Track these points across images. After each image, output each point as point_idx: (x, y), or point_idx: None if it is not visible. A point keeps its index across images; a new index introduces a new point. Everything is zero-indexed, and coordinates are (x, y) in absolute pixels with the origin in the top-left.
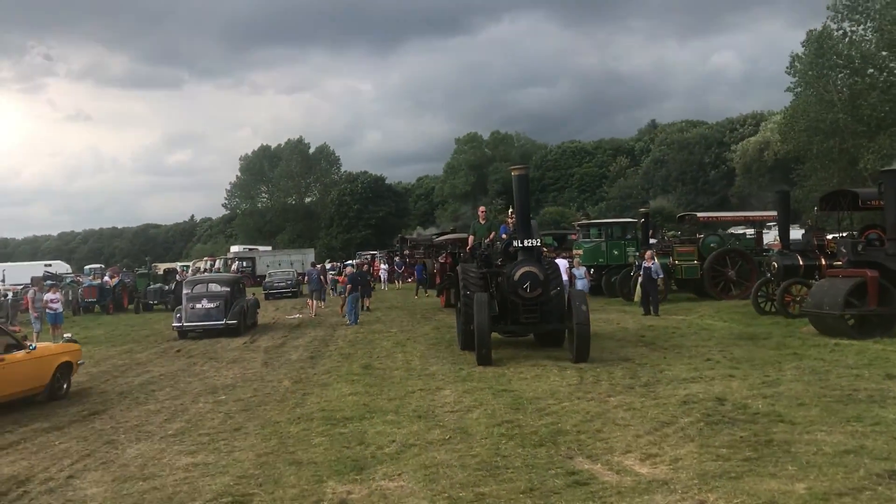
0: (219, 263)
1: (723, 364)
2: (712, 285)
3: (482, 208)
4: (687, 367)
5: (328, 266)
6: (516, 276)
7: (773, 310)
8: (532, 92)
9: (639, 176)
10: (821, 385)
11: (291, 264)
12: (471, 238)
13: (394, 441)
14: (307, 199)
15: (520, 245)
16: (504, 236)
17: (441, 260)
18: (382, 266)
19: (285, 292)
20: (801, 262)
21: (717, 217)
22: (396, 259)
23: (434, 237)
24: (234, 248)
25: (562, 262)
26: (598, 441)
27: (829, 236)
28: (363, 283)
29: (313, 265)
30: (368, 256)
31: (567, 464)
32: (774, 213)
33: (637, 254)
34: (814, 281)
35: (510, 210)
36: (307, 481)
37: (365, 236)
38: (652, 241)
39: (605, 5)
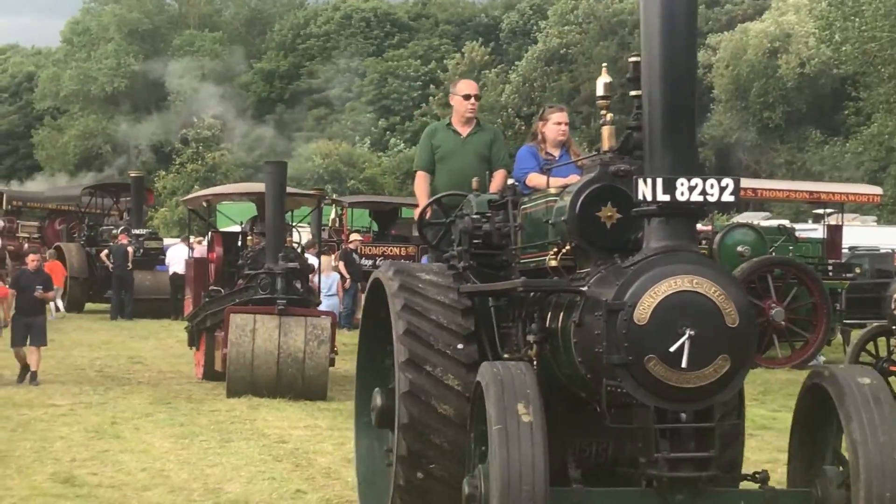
0: None
1: None
2: None
3: (467, 84)
4: None
5: None
6: (642, 313)
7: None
8: None
9: (511, 84)
10: None
11: None
12: (421, 178)
13: None
14: None
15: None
16: (539, 175)
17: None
18: None
19: None
20: None
21: (757, 192)
22: None
23: (87, 191)
24: None
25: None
26: None
27: None
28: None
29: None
30: None
31: None
32: (875, 189)
33: None
34: None
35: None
36: None
37: None
38: None
39: None
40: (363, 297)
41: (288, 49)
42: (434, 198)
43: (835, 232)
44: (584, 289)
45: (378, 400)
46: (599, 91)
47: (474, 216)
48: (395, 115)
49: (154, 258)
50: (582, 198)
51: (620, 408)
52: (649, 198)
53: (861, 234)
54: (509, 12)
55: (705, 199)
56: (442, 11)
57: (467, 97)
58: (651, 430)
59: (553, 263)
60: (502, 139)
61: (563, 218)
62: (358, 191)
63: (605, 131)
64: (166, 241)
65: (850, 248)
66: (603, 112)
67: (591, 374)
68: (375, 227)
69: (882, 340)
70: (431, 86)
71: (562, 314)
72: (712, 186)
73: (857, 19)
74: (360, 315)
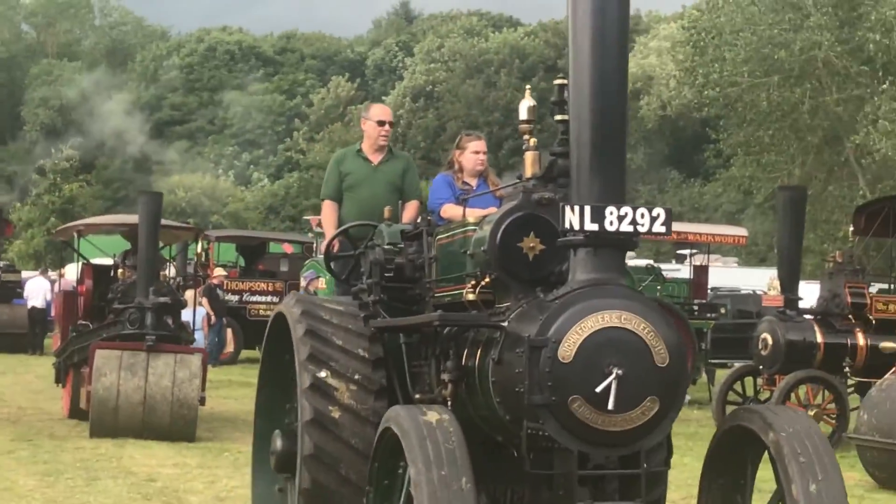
0: None
1: None
2: None
3: (381, 109)
4: None
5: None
6: (567, 350)
7: None
8: None
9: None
10: None
11: None
12: (328, 208)
13: None
14: None
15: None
16: (455, 206)
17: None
18: None
19: None
20: (819, 338)
21: None
22: None
23: None
24: None
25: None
26: None
27: (874, 289)
28: None
29: None
30: None
31: None
32: (741, 231)
33: None
34: (842, 378)
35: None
36: None
37: None
38: None
39: None
40: (228, 332)
41: (149, 80)
42: (342, 227)
43: (701, 272)
44: (505, 324)
45: (278, 443)
46: (523, 115)
47: (386, 247)
48: (258, 149)
49: (11, 291)
50: (503, 227)
51: (540, 452)
52: (576, 227)
53: (723, 275)
54: (375, 48)
55: (635, 228)
56: (307, 46)
57: (381, 123)
58: (573, 477)
59: (471, 297)
60: (415, 168)
61: (482, 248)
62: (221, 225)
63: (529, 157)
64: (24, 273)
65: (713, 289)
66: (526, 137)
67: (511, 415)
68: (242, 262)
69: (749, 380)
70: (296, 120)
71: (479, 351)
72: (643, 216)
73: (718, 64)
74: (227, 350)
